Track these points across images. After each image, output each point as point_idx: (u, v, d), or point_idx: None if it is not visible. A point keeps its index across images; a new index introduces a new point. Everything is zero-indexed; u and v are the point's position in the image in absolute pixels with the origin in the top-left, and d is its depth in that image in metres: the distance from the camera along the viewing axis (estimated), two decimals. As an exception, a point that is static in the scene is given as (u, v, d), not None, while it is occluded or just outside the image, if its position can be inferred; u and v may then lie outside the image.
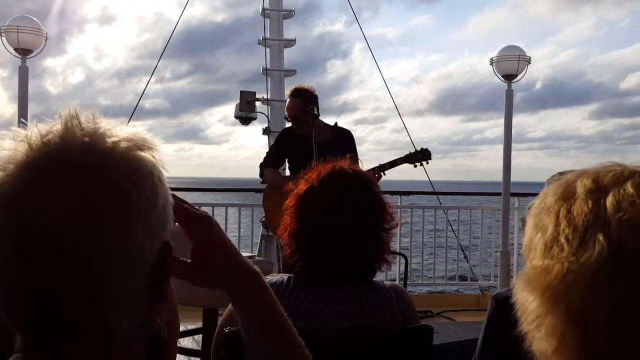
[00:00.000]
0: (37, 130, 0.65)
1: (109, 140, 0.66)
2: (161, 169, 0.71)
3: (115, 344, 0.67)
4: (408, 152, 4.15)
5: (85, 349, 0.65)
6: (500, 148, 5.54)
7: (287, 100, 4.28)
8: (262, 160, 4.38)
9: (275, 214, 4.01)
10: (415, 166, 4.15)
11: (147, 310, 0.69)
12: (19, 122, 0.69)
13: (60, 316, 0.63)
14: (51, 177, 0.62)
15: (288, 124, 4.35)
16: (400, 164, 4.11)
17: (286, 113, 4.31)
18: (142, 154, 0.69)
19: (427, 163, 4.17)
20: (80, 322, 0.64)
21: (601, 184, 0.65)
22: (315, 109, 4.01)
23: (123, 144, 0.67)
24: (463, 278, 6.45)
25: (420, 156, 4.13)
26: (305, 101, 4.07)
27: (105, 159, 0.65)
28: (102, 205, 0.63)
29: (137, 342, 0.71)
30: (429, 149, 4.15)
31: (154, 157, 0.70)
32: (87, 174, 0.63)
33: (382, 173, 3.99)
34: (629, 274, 0.58)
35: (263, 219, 4.91)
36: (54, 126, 0.66)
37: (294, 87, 4.31)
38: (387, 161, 4.07)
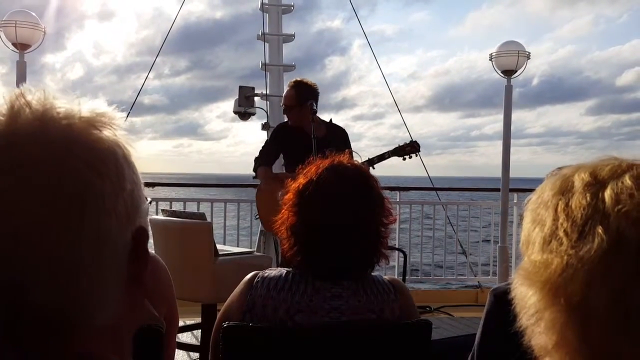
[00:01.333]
0: None
1: (62, 122, 0.59)
2: (127, 147, 0.63)
3: (97, 335, 0.61)
4: (397, 145, 4.11)
5: (64, 344, 0.60)
6: (498, 144, 5.54)
7: (285, 91, 4.29)
8: (257, 155, 4.39)
9: (267, 211, 4.02)
10: (404, 159, 4.10)
11: (129, 298, 0.64)
12: None
13: (32, 315, 0.57)
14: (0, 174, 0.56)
15: (285, 118, 4.37)
16: (389, 157, 4.06)
17: (282, 102, 4.32)
18: (101, 133, 0.61)
19: (417, 155, 4.13)
20: (55, 319, 0.58)
21: (599, 177, 0.65)
22: (314, 104, 4.00)
23: (79, 125, 0.60)
24: (461, 274, 6.45)
25: (409, 149, 4.08)
26: (300, 94, 4.05)
27: (59, 145, 0.58)
28: (62, 199, 0.56)
29: (125, 330, 0.66)
30: (417, 141, 4.10)
31: (115, 135, 0.62)
32: (40, 166, 0.56)
33: (371, 167, 3.97)
34: (629, 267, 0.58)
35: (258, 216, 4.93)
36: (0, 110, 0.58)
37: (295, 79, 4.28)
38: (375, 155, 4.04)
